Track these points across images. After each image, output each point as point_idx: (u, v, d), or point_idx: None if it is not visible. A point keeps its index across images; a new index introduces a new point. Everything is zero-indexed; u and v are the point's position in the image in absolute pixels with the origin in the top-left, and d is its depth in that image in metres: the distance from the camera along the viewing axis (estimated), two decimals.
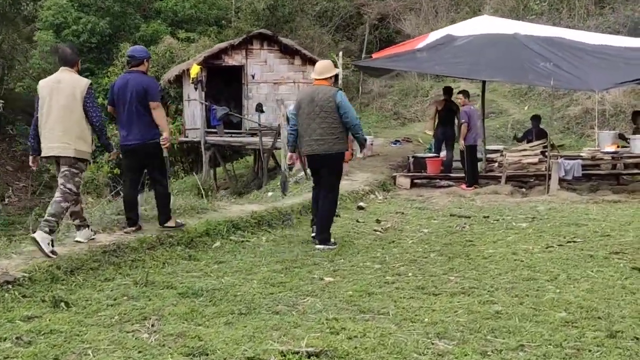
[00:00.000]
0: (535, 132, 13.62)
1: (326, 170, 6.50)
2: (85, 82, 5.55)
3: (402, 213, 8.51)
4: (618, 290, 4.61)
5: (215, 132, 16.89)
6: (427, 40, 13.00)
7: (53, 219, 5.24)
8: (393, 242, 6.69)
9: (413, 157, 12.63)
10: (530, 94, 22.18)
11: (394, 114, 23.13)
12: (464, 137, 11.07)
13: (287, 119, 11.96)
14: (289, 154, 6.95)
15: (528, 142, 12.70)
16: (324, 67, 6.61)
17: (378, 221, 7.93)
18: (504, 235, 6.84)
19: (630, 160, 10.76)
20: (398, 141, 17.96)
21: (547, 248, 6.13)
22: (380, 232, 7.25)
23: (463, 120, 11.09)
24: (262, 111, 16.27)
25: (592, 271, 5.18)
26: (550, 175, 10.53)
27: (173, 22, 25.89)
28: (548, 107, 21.53)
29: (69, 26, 24.10)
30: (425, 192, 11.14)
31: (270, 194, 11.06)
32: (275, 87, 18.00)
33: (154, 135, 6.00)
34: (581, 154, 10.69)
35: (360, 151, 7.09)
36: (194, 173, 17.79)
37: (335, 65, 7.63)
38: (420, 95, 23.48)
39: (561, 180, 10.64)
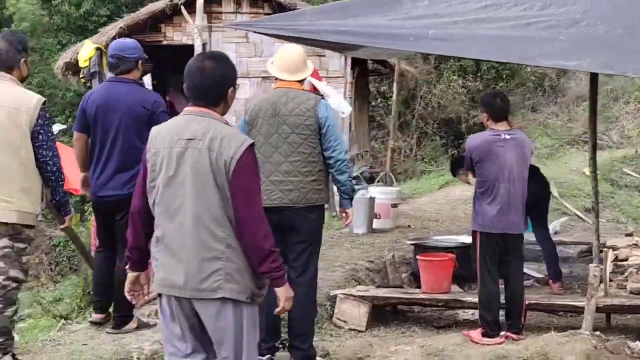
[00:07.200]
0: None
1: (298, 237, 3.90)
2: (35, 100, 3.48)
3: None
4: None
5: None
6: None
7: (1, 339, 3.50)
8: None
9: (413, 243, 5.97)
10: None
11: (584, 134, 13.40)
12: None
13: None
14: None
15: None
16: (297, 60, 3.93)
17: None
18: None
19: None
20: None
21: None
22: None
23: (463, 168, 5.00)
24: None
25: None
26: None
27: None
28: None
29: None
30: (388, 347, 4.95)
31: None
32: (268, 85, 9.33)
33: None
34: None
35: (344, 208, 4.07)
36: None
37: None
38: (636, 100, 14.79)
39: None
